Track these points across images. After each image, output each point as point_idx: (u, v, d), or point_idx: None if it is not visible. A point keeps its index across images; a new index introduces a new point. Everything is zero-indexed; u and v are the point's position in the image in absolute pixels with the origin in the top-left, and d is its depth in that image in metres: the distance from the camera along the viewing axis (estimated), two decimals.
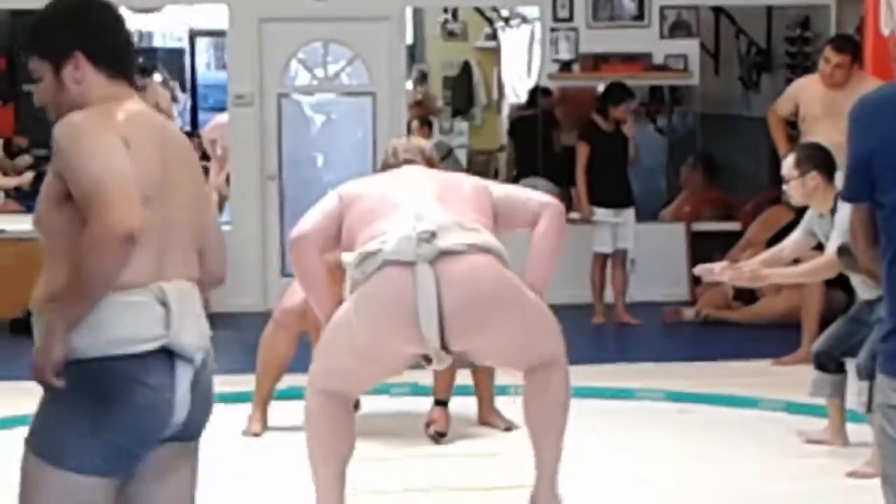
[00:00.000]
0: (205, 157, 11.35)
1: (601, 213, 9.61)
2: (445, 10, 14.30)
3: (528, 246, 4.68)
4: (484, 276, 4.37)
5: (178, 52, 15.84)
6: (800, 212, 6.26)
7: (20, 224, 9.39)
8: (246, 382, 6.68)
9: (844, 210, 5.26)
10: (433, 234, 4.34)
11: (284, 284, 7.42)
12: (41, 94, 3.14)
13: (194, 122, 14.70)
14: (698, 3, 10.78)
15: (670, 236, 10.55)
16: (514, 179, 11.34)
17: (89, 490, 2.96)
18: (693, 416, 6.86)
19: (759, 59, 11.94)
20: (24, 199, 11.33)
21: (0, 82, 12.62)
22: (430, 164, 5.26)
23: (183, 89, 15.32)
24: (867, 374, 5.41)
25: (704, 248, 9.83)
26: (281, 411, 6.44)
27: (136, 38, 15.22)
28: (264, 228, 10.26)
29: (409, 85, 12.65)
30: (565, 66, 10.65)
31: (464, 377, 6.44)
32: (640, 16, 10.60)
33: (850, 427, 6.08)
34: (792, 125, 8.70)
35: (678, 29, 10.65)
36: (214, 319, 9.08)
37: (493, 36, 14.39)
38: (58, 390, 2.92)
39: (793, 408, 6.80)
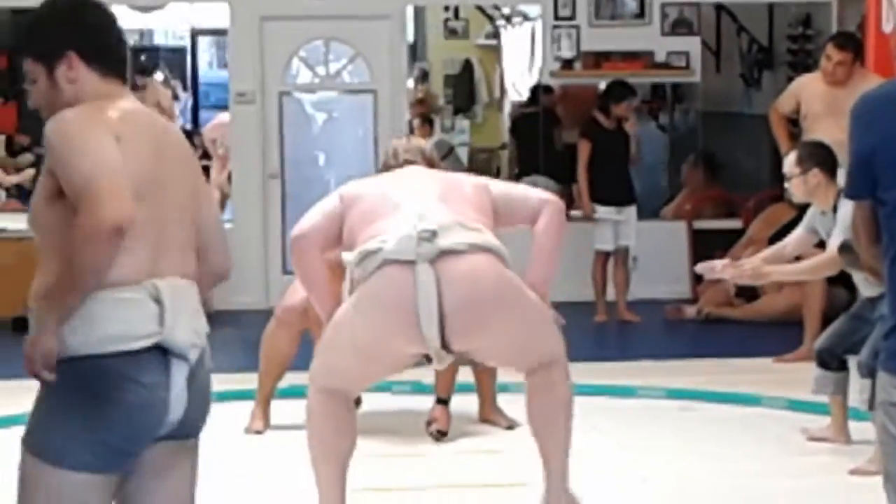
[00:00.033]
0: (206, 155, 11.36)
1: (603, 211, 9.61)
2: (447, 8, 14.29)
3: (527, 245, 4.67)
4: (484, 275, 4.37)
5: (180, 51, 15.83)
6: (801, 209, 6.25)
7: (22, 223, 9.34)
8: (248, 380, 6.69)
9: (846, 207, 5.27)
10: (434, 234, 4.34)
11: (286, 282, 7.43)
12: (35, 95, 3.15)
13: (196, 121, 14.70)
14: (700, 0, 10.78)
15: (672, 234, 10.56)
16: (516, 177, 11.34)
17: (82, 487, 2.96)
18: (694, 414, 6.86)
19: (760, 56, 11.94)
20: (26, 197, 11.33)
21: (1, 80, 12.63)
22: (430, 164, 5.26)
23: (184, 88, 15.32)
24: (869, 372, 5.41)
25: (706, 245, 9.82)
26: (283, 409, 6.44)
27: (137, 37, 15.31)
28: (266, 226, 10.26)
29: (411, 83, 12.65)
30: (567, 64, 10.66)
31: (465, 375, 6.44)
32: (641, 13, 10.61)
33: (853, 424, 6.08)
34: (793, 123, 8.70)
35: (679, 26, 10.65)
36: (216, 317, 9.02)
37: (495, 34, 14.38)
38: (50, 385, 2.93)
39: (795, 405, 6.79)
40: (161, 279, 3.00)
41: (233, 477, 5.68)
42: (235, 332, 8.95)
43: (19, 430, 3.09)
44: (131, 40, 14.79)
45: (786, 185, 6.13)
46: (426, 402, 6.54)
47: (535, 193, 4.84)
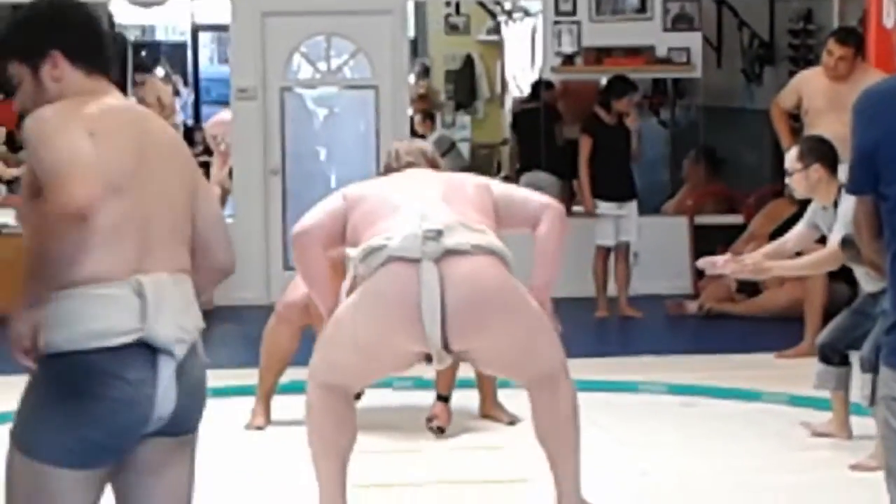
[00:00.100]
0: (208, 151, 11.36)
1: (604, 207, 9.61)
2: (448, 4, 14.29)
3: (528, 249, 4.68)
4: (487, 277, 4.38)
5: (181, 46, 15.81)
6: (803, 205, 6.25)
7: None
8: (249, 376, 6.69)
9: (847, 202, 5.26)
10: (440, 233, 4.35)
11: (287, 278, 7.42)
12: (22, 97, 3.16)
13: (197, 117, 14.70)
14: None
15: (673, 229, 10.55)
16: (518, 173, 11.36)
17: (64, 482, 2.97)
18: (696, 410, 6.86)
19: (761, 51, 11.93)
20: None
21: (3, 76, 12.64)
22: (432, 165, 5.27)
23: (185, 83, 15.31)
24: (871, 367, 5.41)
25: (707, 241, 9.82)
26: (284, 405, 6.44)
27: (138, 33, 15.31)
28: (267, 222, 10.26)
29: (412, 79, 12.64)
30: (568, 60, 10.65)
31: (466, 371, 6.44)
32: (642, 9, 10.60)
33: (854, 420, 6.08)
34: (795, 118, 8.69)
35: (681, 22, 10.64)
36: (217, 313, 9.01)
37: (496, 29, 14.39)
38: (35, 379, 2.96)
39: (796, 401, 6.79)
40: (146, 275, 2.99)
41: (233, 473, 5.69)
42: (236, 327, 8.95)
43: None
44: (132, 36, 14.79)
45: (787, 180, 6.13)
46: (427, 398, 6.54)
47: (536, 197, 4.85)
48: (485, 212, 4.62)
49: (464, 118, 14.51)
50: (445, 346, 4.39)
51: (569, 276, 8.71)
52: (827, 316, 7.10)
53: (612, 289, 9.71)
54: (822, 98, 8.19)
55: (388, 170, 5.24)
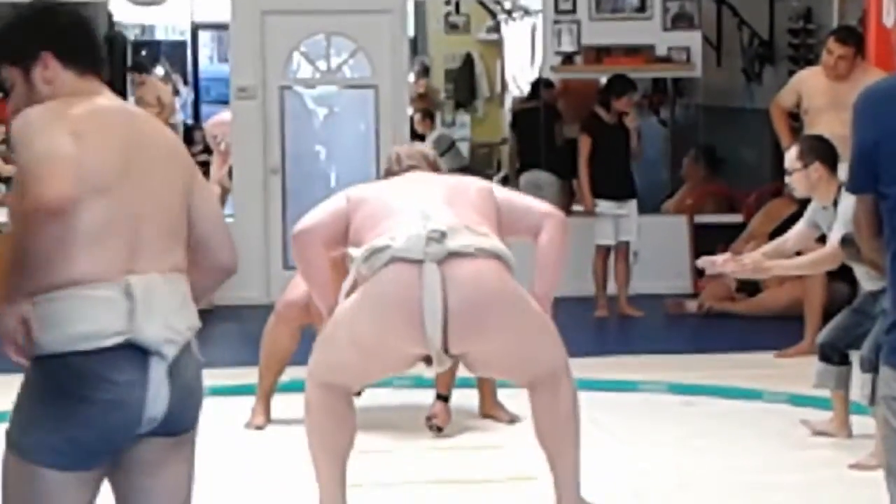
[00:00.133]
0: (207, 150, 11.37)
1: (604, 206, 9.60)
2: (448, 3, 14.30)
3: (529, 256, 4.68)
4: (489, 279, 4.39)
5: (181, 45, 15.83)
6: (803, 204, 6.25)
7: None
8: (249, 375, 6.69)
9: (847, 201, 5.26)
10: (443, 234, 4.35)
11: (287, 277, 7.42)
12: (15, 100, 3.16)
13: (197, 116, 14.71)
14: None
15: (673, 228, 10.55)
16: (517, 172, 11.35)
17: (55, 484, 2.97)
18: (696, 409, 6.86)
19: (761, 50, 11.93)
20: None
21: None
22: (434, 168, 5.27)
23: (185, 82, 15.33)
24: (871, 367, 5.41)
25: (707, 240, 9.82)
26: (284, 404, 6.43)
27: (138, 32, 15.31)
28: (267, 221, 10.26)
29: (412, 78, 12.65)
30: (568, 59, 10.65)
31: (466, 370, 6.43)
32: (642, 8, 10.60)
33: (854, 419, 6.08)
34: (795, 117, 8.69)
35: (680, 21, 10.64)
36: (217, 312, 9.01)
37: (496, 28, 14.39)
38: (27, 381, 2.96)
39: (796, 400, 6.79)
40: (138, 275, 2.98)
41: (233, 472, 5.69)
42: (236, 326, 8.95)
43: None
44: (132, 35, 14.80)
45: (787, 179, 6.13)
46: (427, 397, 6.54)
47: (538, 206, 4.84)
48: (487, 215, 4.62)
49: (463, 117, 14.52)
50: (445, 349, 4.39)
51: (569, 275, 8.66)
52: (827, 315, 7.10)
53: (611, 288, 9.70)
54: (821, 97, 8.18)
55: (390, 173, 5.24)
